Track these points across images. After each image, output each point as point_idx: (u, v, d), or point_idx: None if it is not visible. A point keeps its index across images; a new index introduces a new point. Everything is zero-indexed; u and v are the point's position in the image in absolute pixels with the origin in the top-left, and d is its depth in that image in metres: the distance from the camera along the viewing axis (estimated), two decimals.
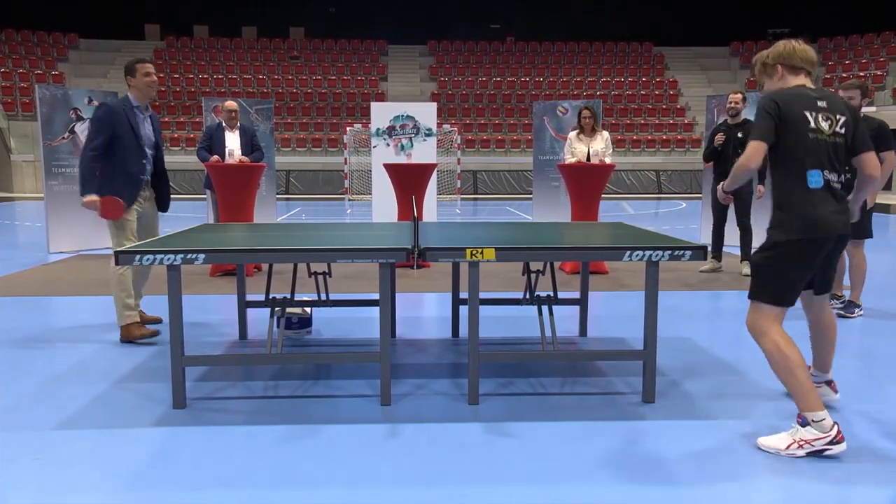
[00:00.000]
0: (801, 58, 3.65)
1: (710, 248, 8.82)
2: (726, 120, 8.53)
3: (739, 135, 8.23)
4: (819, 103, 3.56)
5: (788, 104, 3.52)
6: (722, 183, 4.04)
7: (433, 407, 4.06)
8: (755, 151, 3.52)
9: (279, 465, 3.31)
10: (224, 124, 8.84)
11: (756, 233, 8.83)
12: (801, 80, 3.67)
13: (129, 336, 5.47)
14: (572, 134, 8.95)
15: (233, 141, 8.77)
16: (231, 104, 8.97)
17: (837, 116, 3.57)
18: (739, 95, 8.46)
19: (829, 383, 4.12)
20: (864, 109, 5.11)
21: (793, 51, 3.66)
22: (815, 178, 3.50)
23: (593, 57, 36.37)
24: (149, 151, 5.64)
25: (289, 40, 36.45)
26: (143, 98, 5.58)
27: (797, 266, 3.54)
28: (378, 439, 3.60)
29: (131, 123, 5.50)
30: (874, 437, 3.66)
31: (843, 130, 3.58)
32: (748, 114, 8.81)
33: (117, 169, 5.45)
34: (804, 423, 3.42)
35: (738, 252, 8.80)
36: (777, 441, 3.47)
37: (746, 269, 8.47)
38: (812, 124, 3.52)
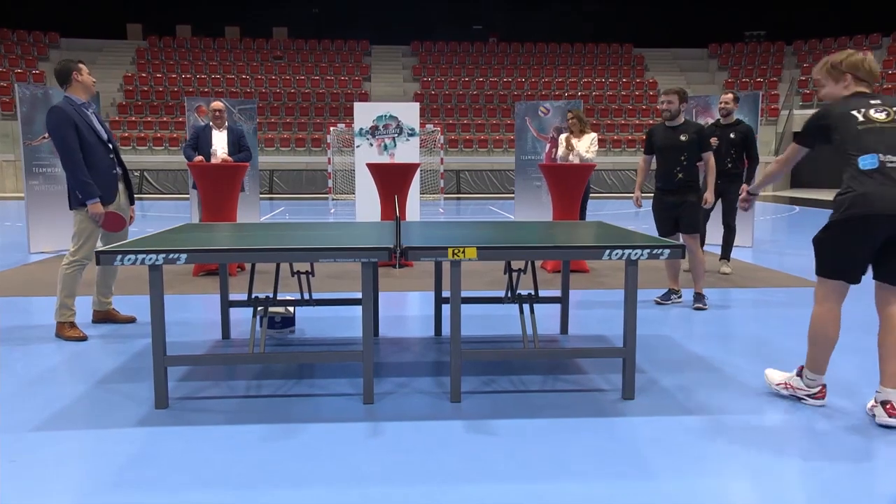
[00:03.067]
0: (868, 71, 3.88)
1: None
2: (718, 120, 8.57)
3: (732, 135, 8.28)
4: (872, 101, 3.80)
5: (833, 107, 3.84)
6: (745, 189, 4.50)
7: (415, 405, 4.08)
8: (794, 152, 4.07)
9: (261, 464, 3.32)
10: (211, 124, 8.87)
11: (738, 233, 8.94)
12: (863, 88, 3.88)
13: (61, 334, 5.56)
14: (563, 136, 9.02)
15: (219, 141, 8.80)
16: (217, 104, 8.98)
17: (886, 108, 3.76)
18: (731, 96, 8.47)
19: (884, 404, 3.75)
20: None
21: (864, 63, 3.88)
22: (869, 161, 3.66)
23: (574, 58, 36.51)
24: (110, 145, 5.65)
25: (272, 40, 36.34)
26: (86, 95, 5.56)
27: (850, 242, 3.73)
28: (360, 438, 3.62)
29: (86, 121, 5.47)
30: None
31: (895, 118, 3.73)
32: (737, 113, 8.87)
33: (90, 170, 5.44)
34: (799, 374, 4.09)
35: (717, 251, 8.87)
36: (776, 375, 4.23)
37: (725, 269, 8.55)
38: (861, 118, 3.74)
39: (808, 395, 4.05)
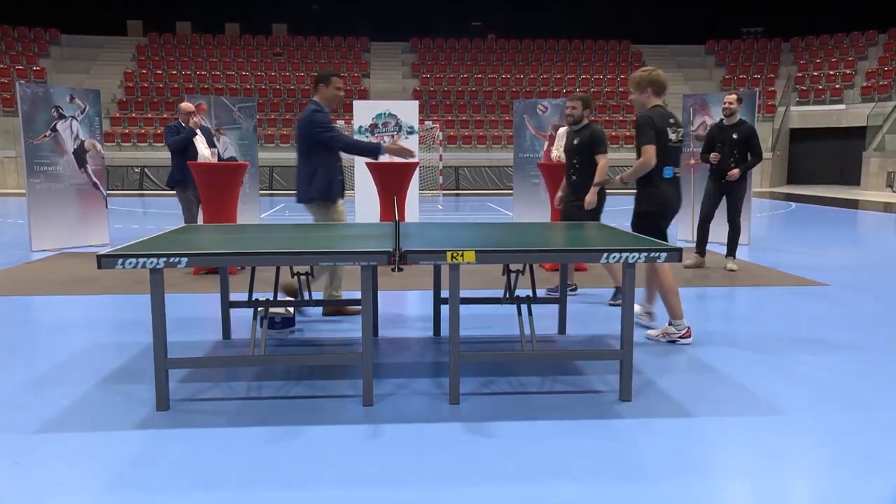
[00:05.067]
0: (663, 86, 5.44)
1: (694, 243, 9.01)
2: (721, 121, 8.63)
3: (735, 136, 8.37)
4: (670, 120, 5.40)
5: (661, 122, 5.31)
6: (619, 176, 5.68)
7: (415, 407, 4.12)
8: (652, 152, 5.29)
9: (261, 466, 3.36)
10: (184, 125, 8.87)
11: (743, 230, 9.00)
12: (659, 101, 5.46)
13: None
14: (562, 130, 9.04)
15: (200, 141, 8.85)
16: (187, 106, 8.96)
17: (679, 129, 5.47)
18: (735, 97, 8.53)
19: (649, 314, 5.97)
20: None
21: (660, 80, 5.45)
22: (668, 172, 5.40)
23: (573, 54, 36.52)
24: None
25: (271, 37, 36.34)
26: (328, 106, 5.97)
27: (662, 227, 5.45)
28: (360, 440, 3.66)
29: None
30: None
31: (681, 140, 5.46)
32: (740, 114, 8.93)
33: (330, 167, 5.97)
34: (670, 323, 5.48)
35: (719, 249, 8.94)
36: (655, 332, 5.57)
37: (731, 265, 8.63)
38: (670, 137, 5.37)
39: (680, 337, 5.44)
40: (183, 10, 36.74)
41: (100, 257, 3.86)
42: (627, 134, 30.42)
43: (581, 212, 6.74)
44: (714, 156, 8.48)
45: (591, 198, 6.65)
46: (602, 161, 6.71)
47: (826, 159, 31.10)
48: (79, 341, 5.53)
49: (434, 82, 33.57)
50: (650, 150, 5.27)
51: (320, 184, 5.98)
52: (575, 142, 6.83)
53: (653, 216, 5.45)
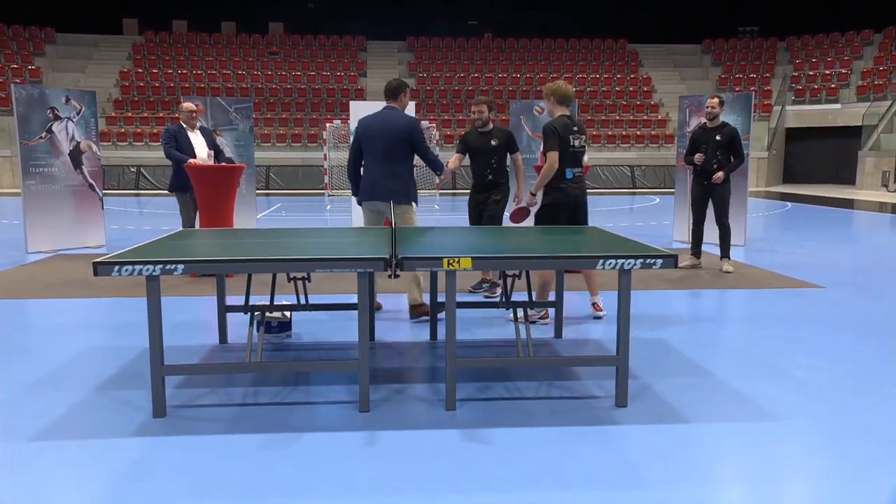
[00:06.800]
0: (565, 96, 6.04)
1: (690, 245, 9.08)
2: (705, 123, 8.69)
3: (718, 137, 8.43)
4: (574, 129, 6.04)
5: (563, 131, 5.97)
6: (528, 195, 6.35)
7: (411, 413, 4.13)
8: (555, 158, 5.96)
9: (258, 473, 3.36)
10: (184, 125, 8.81)
11: (733, 231, 9.02)
12: (564, 110, 6.07)
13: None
14: None
15: (198, 142, 8.80)
16: (189, 105, 8.92)
17: (582, 136, 6.12)
18: (717, 100, 8.61)
19: (594, 305, 6.54)
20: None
21: (561, 90, 6.04)
22: (570, 173, 6.07)
23: (569, 53, 36.55)
24: None
25: (268, 36, 36.30)
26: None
27: (560, 218, 6.11)
28: (356, 447, 3.67)
29: None
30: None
31: (584, 146, 6.17)
32: (723, 116, 8.98)
33: (412, 173, 6.35)
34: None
35: (715, 250, 8.97)
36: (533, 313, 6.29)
37: (727, 267, 8.65)
38: (571, 143, 6.02)
39: (540, 317, 6.31)
40: (179, 9, 36.69)
41: (96, 264, 3.86)
42: (624, 134, 30.45)
43: (497, 207, 7.23)
44: (699, 157, 8.56)
45: (521, 194, 7.18)
46: (520, 159, 7.48)
47: (822, 158, 31.17)
48: (75, 345, 5.52)
49: (431, 81, 33.56)
50: (553, 157, 5.96)
51: (413, 188, 6.32)
52: (493, 143, 7.19)
53: (556, 208, 6.10)
